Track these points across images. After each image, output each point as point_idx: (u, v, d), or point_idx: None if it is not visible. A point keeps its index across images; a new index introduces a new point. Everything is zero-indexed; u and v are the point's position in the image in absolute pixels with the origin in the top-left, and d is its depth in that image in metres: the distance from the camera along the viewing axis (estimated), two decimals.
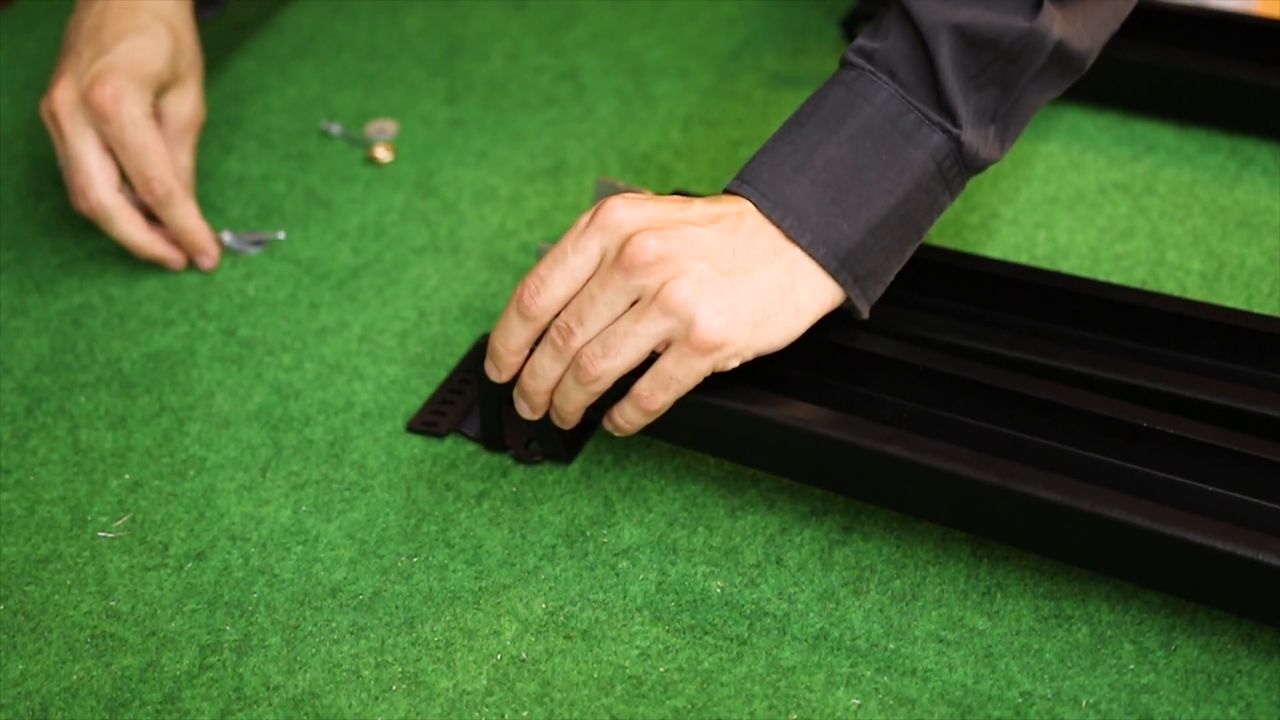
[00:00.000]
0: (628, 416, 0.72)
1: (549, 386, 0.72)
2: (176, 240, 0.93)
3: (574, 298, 0.70)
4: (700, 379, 0.69)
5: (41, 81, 1.12)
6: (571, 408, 0.72)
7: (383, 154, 1.02)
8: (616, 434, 0.73)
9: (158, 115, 0.92)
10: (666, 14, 1.16)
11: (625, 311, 0.69)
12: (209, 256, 0.94)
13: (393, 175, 1.01)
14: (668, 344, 0.69)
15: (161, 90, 0.92)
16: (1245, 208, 0.92)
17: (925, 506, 0.70)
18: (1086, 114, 1.00)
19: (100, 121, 0.88)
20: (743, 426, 0.72)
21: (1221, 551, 0.62)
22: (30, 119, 1.08)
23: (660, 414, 0.71)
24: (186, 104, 0.94)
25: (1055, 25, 0.71)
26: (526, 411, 0.74)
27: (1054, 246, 0.91)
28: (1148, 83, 0.98)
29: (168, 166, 0.90)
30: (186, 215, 0.92)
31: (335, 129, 1.05)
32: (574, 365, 0.70)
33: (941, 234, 0.92)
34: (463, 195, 0.99)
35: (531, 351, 0.72)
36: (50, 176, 1.03)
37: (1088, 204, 0.94)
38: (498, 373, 0.73)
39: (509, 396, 0.75)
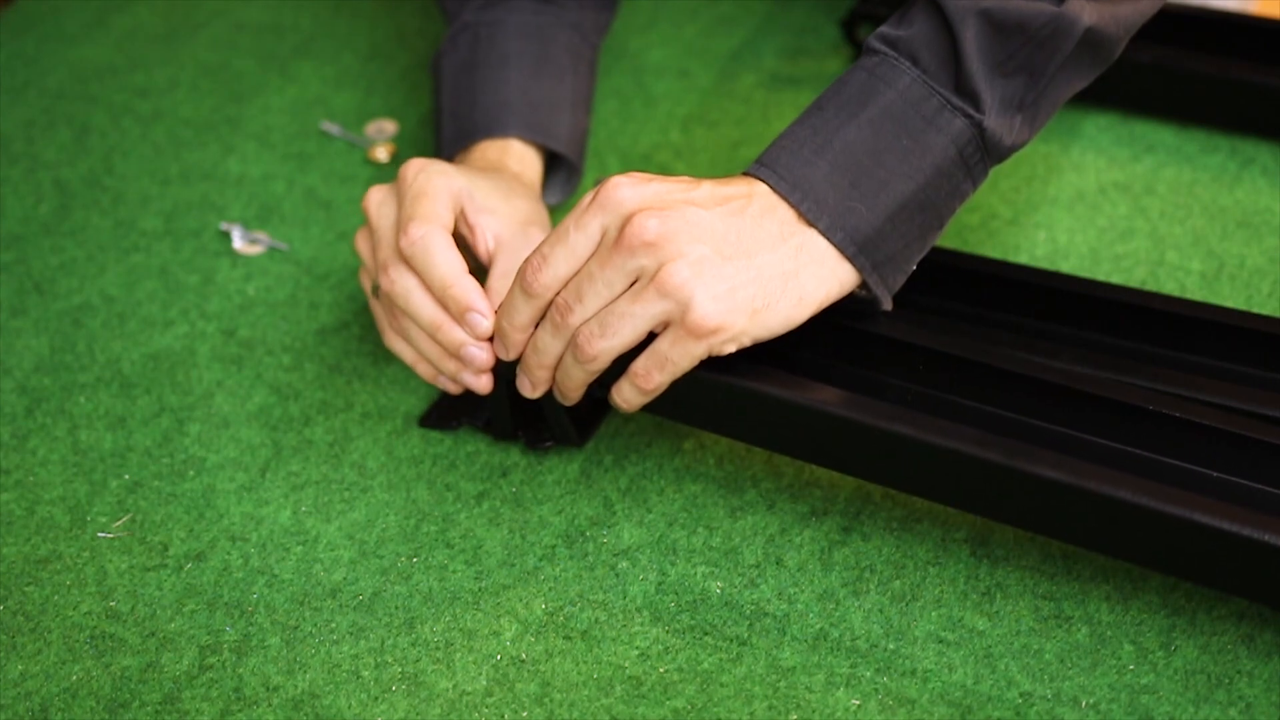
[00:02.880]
0: (625, 395, 0.72)
1: (550, 363, 0.72)
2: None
3: (575, 275, 0.70)
4: (695, 362, 0.69)
5: (41, 81, 1.12)
6: (572, 385, 0.72)
7: (382, 154, 1.02)
8: (621, 410, 0.73)
9: None
10: (666, 14, 1.15)
11: (624, 291, 0.69)
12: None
13: (392, 175, 1.01)
14: (666, 325, 0.69)
15: None
16: (1245, 208, 0.92)
17: (929, 486, 0.70)
18: (1086, 114, 1.00)
19: None
20: (750, 405, 0.71)
21: (1227, 533, 0.62)
22: (30, 119, 1.08)
23: (658, 393, 0.71)
24: None
25: (1085, 11, 0.71)
26: (528, 389, 0.74)
27: (1054, 247, 0.90)
28: (1148, 83, 0.97)
29: None
30: None
31: (335, 129, 1.05)
32: (572, 344, 0.70)
33: (941, 235, 0.91)
34: None
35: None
36: (50, 178, 1.03)
37: (1087, 204, 0.93)
38: (505, 350, 0.74)
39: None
